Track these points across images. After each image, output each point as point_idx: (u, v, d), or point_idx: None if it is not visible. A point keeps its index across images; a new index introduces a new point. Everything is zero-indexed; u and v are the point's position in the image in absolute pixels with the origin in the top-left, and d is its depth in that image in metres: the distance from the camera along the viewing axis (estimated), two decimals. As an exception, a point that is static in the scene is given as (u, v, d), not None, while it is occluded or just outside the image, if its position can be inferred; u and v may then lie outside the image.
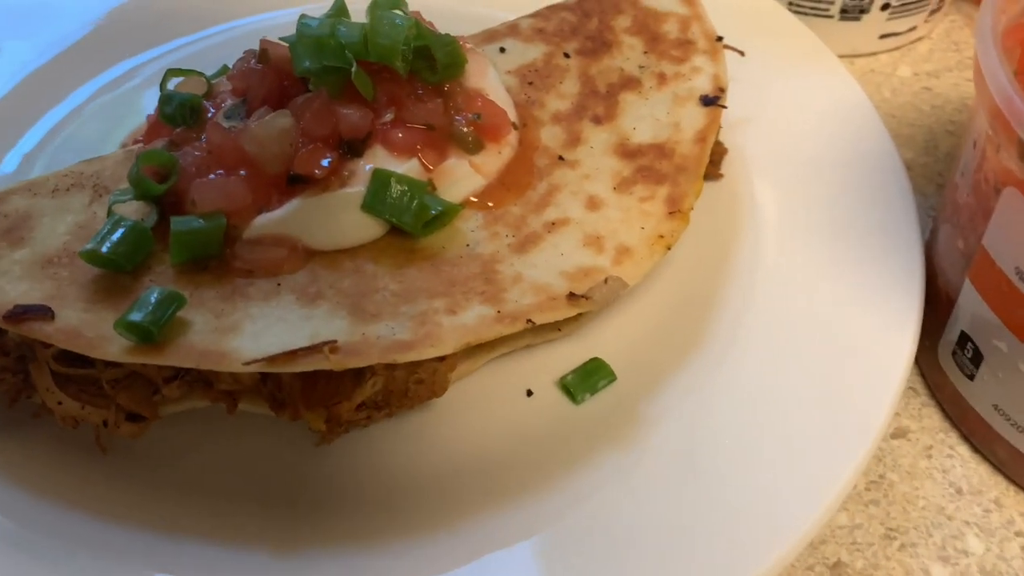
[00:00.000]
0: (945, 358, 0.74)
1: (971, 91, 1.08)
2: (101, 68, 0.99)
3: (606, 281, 0.68)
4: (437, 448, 0.70)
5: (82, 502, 0.66)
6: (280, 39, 0.75)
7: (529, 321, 0.65)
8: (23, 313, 0.62)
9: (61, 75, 0.97)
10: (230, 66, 0.81)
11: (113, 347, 0.61)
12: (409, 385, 0.66)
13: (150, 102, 0.95)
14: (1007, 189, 0.62)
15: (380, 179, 0.68)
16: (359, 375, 0.65)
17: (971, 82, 1.09)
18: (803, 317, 0.74)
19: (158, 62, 0.99)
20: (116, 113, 0.95)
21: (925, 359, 0.77)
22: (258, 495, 0.67)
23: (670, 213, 0.74)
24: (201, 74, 0.77)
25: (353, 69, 0.69)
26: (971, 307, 0.69)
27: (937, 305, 0.74)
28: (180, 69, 0.77)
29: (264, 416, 0.69)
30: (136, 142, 0.88)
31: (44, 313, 0.62)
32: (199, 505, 0.66)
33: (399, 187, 0.68)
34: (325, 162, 0.67)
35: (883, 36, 1.10)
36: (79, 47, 1.00)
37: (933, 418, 0.77)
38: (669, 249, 0.73)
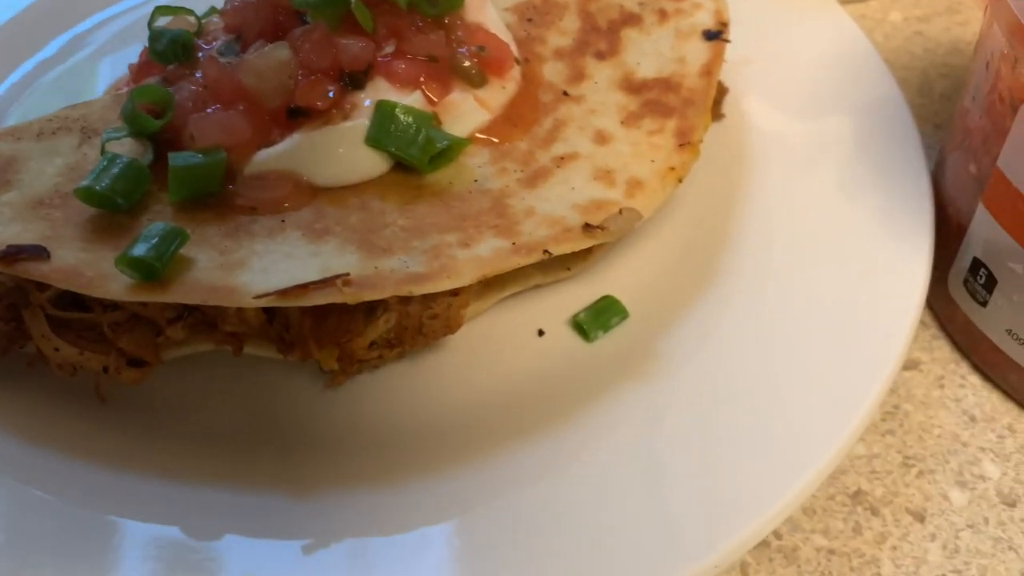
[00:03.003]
0: (956, 287, 0.74)
1: (962, 35, 1.09)
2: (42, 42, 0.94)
3: (620, 212, 0.66)
4: (449, 389, 0.68)
5: (85, 453, 0.63)
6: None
7: (546, 252, 0.63)
8: (17, 253, 0.59)
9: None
10: (217, 7, 0.79)
11: (115, 285, 0.58)
12: (423, 321, 0.64)
13: (105, 71, 0.91)
14: (1025, 105, 0.61)
15: (384, 111, 0.66)
16: (371, 311, 0.63)
17: (961, 26, 1.10)
18: (815, 252, 0.73)
19: (101, 31, 0.95)
20: (72, 87, 0.90)
21: (935, 291, 0.77)
22: (267, 441, 0.65)
23: (680, 145, 0.72)
24: (191, 11, 0.74)
25: (352, 0, 0.66)
26: (985, 232, 0.69)
27: (947, 236, 0.74)
28: (168, 7, 0.73)
29: (270, 362, 0.67)
30: (120, 91, 0.85)
31: (39, 253, 0.59)
32: (207, 453, 0.64)
33: (404, 118, 0.66)
34: (328, 94, 0.65)
35: (873, -19, 1.10)
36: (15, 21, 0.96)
37: (943, 350, 0.77)
38: (680, 181, 0.72)
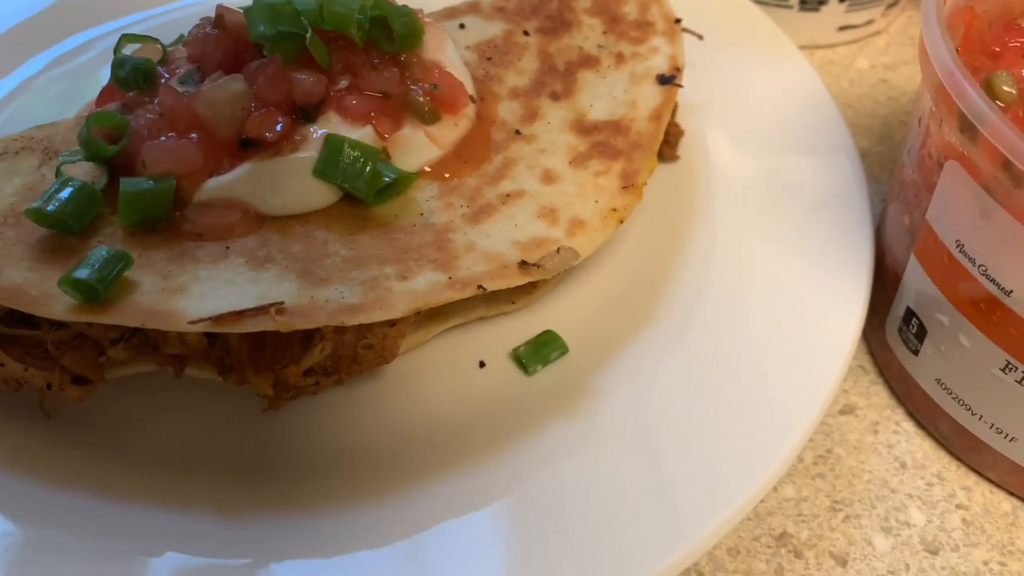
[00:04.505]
0: (892, 335, 0.75)
1: (926, 83, 1.11)
2: (55, 39, 0.98)
3: (558, 251, 0.68)
4: (389, 417, 0.70)
5: (25, 468, 0.65)
6: (237, 7, 0.75)
7: (480, 287, 0.65)
8: (-37, 271, 0.61)
9: (13, 46, 0.96)
10: (185, 35, 0.81)
11: (58, 305, 0.60)
12: (358, 350, 0.66)
13: (107, 76, 0.94)
14: (948, 162, 0.63)
15: (333, 144, 0.68)
16: (308, 340, 0.65)
17: (926, 75, 1.12)
18: (754, 295, 0.75)
19: (114, 36, 0.98)
20: (70, 87, 0.94)
21: (874, 337, 0.79)
22: (206, 462, 0.67)
23: (623, 187, 0.74)
24: (157, 40, 0.76)
25: (308, 35, 0.69)
26: (916, 282, 0.70)
27: (886, 284, 0.76)
28: (135, 35, 0.76)
29: (214, 385, 0.69)
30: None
31: (-14, 271, 0.61)
32: (145, 472, 0.66)
33: (352, 152, 0.68)
34: (277, 126, 0.67)
35: (841, 28, 1.12)
36: (35, 19, 0.99)
37: (880, 395, 0.78)
38: (622, 223, 0.73)
